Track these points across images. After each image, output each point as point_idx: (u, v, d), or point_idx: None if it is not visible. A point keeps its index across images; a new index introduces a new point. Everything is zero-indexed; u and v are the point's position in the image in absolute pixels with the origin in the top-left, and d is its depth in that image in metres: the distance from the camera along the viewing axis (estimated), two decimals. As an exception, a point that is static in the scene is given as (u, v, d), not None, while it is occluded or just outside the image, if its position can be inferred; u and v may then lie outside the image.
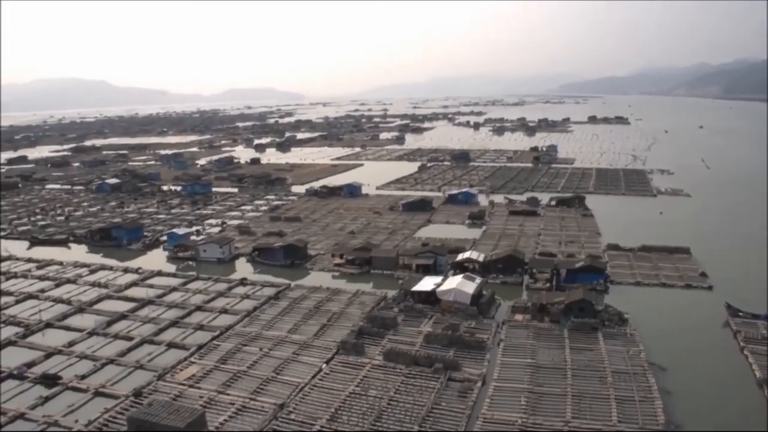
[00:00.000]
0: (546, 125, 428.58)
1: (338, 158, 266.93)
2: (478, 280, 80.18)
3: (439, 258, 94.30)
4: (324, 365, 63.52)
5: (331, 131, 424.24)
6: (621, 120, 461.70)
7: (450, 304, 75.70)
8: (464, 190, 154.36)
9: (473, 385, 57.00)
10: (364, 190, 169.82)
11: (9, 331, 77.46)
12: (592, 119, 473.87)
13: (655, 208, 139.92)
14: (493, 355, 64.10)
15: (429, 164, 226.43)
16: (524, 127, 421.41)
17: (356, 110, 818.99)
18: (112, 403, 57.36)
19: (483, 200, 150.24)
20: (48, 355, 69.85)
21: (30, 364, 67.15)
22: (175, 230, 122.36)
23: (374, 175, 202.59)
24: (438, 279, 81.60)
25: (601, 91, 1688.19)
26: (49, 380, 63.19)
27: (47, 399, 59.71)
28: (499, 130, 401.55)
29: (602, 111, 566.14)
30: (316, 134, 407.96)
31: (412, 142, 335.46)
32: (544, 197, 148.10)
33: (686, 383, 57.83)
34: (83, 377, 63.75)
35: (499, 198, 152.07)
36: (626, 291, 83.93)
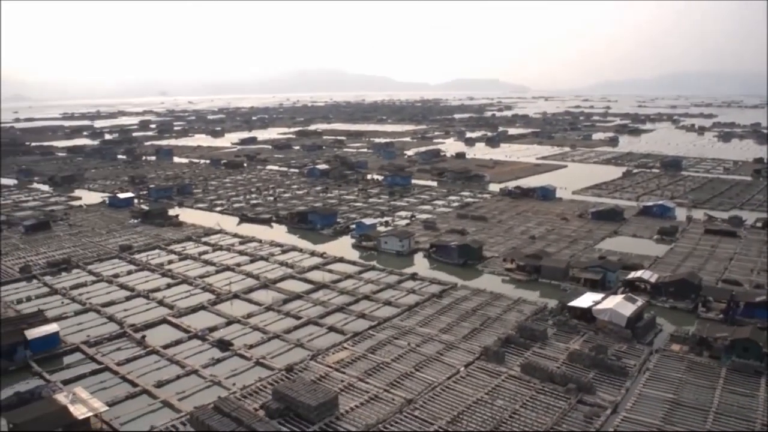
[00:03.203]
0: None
1: (543, 157, 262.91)
2: (640, 302, 77.11)
3: (609, 274, 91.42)
4: (462, 368, 65.65)
5: (545, 128, 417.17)
6: None
7: (605, 323, 73.93)
8: (660, 202, 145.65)
9: (602, 412, 56.02)
10: (559, 194, 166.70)
11: (204, 297, 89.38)
12: None
13: None
14: (634, 384, 62.03)
15: (635, 170, 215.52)
16: (756, 134, 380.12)
17: (577, 107, 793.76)
18: (266, 374, 64.67)
19: (681, 215, 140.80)
20: (228, 323, 79.78)
21: (212, 329, 77.26)
22: (363, 220, 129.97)
23: (575, 178, 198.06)
24: (599, 296, 79.65)
25: None
26: (223, 345, 72.33)
27: (218, 361, 68.85)
28: (725, 137, 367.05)
29: None
30: (528, 131, 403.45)
31: (625, 144, 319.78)
32: (752, 217, 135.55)
33: None
34: (251, 347, 72.20)
35: (699, 214, 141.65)
36: (813, 334, 75.49)
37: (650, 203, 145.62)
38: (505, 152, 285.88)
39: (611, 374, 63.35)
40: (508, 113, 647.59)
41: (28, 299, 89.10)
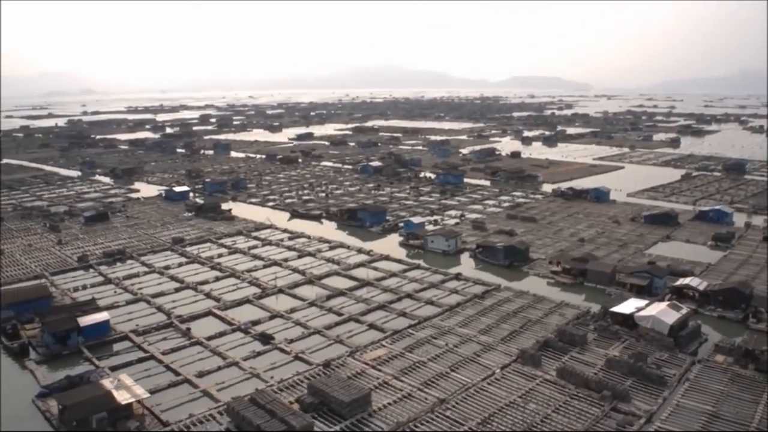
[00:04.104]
0: None
1: (600, 158, 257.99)
2: (684, 310, 75.52)
3: (656, 280, 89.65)
4: (498, 370, 65.65)
5: (605, 128, 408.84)
6: None
7: (647, 330, 72.71)
8: (717, 207, 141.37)
9: (635, 421, 55.27)
10: (613, 196, 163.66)
11: (250, 291, 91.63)
12: None
13: None
14: (672, 394, 60.90)
15: (695, 173, 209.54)
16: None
17: (640, 106, 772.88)
18: (304, 369, 66.09)
19: (740, 220, 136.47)
20: (271, 317, 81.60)
21: (255, 322, 79.19)
22: (412, 218, 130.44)
23: (631, 180, 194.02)
24: (642, 302, 78.34)
25: None
26: (265, 339, 74.12)
27: (258, 354, 70.65)
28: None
29: None
30: (587, 130, 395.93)
31: (687, 146, 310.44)
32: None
33: None
34: (291, 341, 73.70)
35: (759, 220, 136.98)
36: None
37: (706, 208, 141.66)
38: (562, 152, 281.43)
39: (649, 383, 62.29)
40: (568, 112, 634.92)
41: (84, 287, 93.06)
